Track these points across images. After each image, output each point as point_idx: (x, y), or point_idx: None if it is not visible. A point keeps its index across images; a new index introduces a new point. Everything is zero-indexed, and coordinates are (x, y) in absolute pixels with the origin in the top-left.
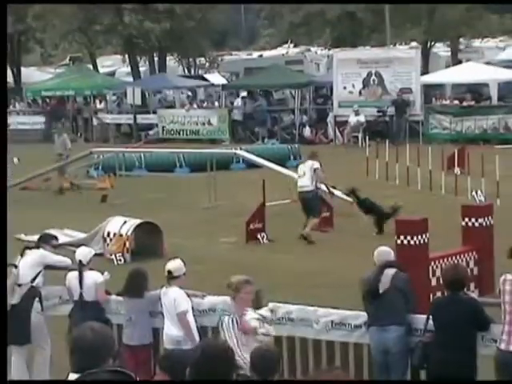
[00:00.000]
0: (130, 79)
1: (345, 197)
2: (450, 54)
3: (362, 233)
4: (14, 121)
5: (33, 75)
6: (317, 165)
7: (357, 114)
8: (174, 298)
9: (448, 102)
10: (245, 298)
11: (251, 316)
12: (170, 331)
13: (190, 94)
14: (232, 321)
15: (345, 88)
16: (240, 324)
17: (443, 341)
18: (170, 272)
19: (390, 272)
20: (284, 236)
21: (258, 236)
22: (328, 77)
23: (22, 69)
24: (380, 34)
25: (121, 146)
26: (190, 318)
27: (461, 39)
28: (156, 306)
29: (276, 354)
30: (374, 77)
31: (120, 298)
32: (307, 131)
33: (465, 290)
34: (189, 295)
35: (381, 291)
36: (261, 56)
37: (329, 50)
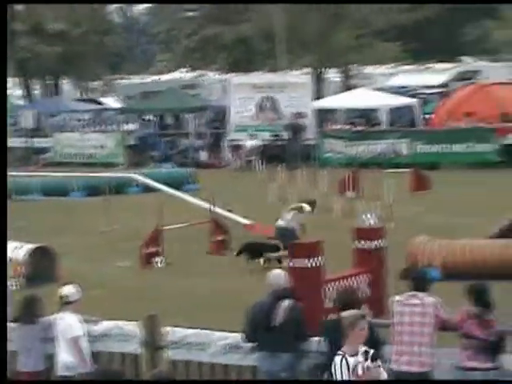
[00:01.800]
0: (24, 102)
1: (239, 219)
2: (342, 79)
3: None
4: None
5: None
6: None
7: (252, 138)
8: (67, 323)
9: (341, 126)
10: (360, 334)
11: (364, 361)
12: (63, 357)
13: (85, 117)
14: (344, 361)
15: (240, 112)
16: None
17: None
18: (64, 297)
19: (285, 304)
20: (181, 260)
21: (154, 260)
22: (224, 101)
23: None
24: (274, 59)
25: (15, 169)
26: (83, 343)
27: (352, 65)
28: (49, 332)
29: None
30: (268, 101)
31: (14, 325)
32: (203, 155)
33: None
34: (83, 320)
35: (275, 323)
36: (157, 80)
37: (224, 74)
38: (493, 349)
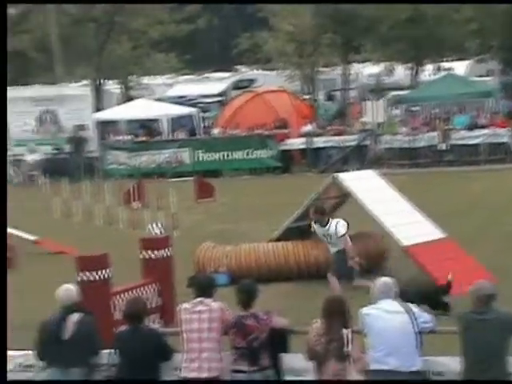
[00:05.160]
0: None
1: (25, 235)
2: (121, 90)
3: (44, 272)
4: None
5: None
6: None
7: (33, 152)
8: None
9: (123, 137)
10: None
11: None
12: None
13: None
14: None
15: (19, 126)
16: None
17: (128, 374)
18: None
19: (74, 317)
20: None
21: None
22: None
23: None
24: (51, 72)
25: None
26: None
27: (131, 76)
28: None
29: None
30: (48, 114)
31: None
32: None
33: (146, 321)
34: None
35: (65, 337)
36: None
37: None
38: (256, 352)
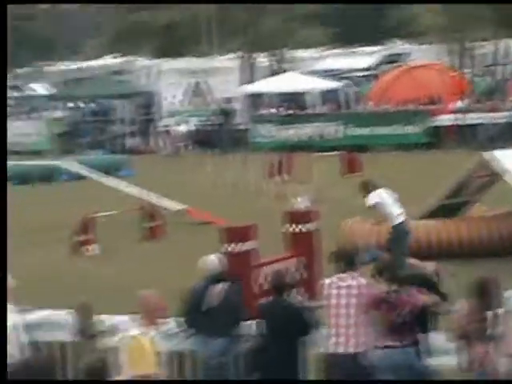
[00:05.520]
0: None
1: (174, 205)
2: (272, 63)
3: (191, 242)
4: None
5: None
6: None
7: (183, 123)
8: None
9: (272, 110)
10: None
11: None
12: None
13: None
14: None
15: (170, 98)
16: None
17: (271, 344)
18: None
19: (220, 285)
20: (114, 247)
21: (85, 248)
22: (152, 87)
23: None
24: (204, 44)
25: None
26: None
27: (282, 49)
28: None
29: None
30: (199, 86)
31: None
32: (133, 141)
33: (290, 294)
34: (15, 310)
35: (211, 305)
36: (86, 66)
37: (153, 60)
38: (405, 328)
